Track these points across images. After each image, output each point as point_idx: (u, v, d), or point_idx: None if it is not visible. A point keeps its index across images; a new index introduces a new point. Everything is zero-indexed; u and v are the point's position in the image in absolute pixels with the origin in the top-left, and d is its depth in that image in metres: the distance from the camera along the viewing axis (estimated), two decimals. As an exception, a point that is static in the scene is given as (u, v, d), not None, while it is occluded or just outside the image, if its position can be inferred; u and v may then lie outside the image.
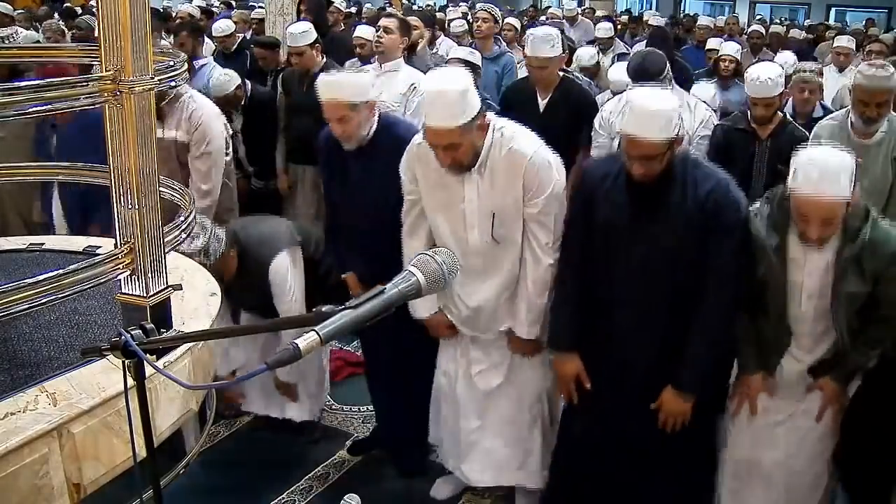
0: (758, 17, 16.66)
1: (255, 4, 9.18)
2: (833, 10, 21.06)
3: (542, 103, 3.98)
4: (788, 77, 5.10)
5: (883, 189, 3.38)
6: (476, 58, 4.32)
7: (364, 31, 5.14)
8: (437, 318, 2.83)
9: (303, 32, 4.53)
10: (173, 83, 2.01)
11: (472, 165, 2.51)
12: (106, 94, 1.72)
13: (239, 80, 4.65)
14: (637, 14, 10.51)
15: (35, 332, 2.01)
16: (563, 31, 8.22)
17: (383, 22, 4.44)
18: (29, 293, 1.65)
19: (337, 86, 2.77)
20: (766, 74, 3.56)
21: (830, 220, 2.22)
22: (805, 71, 4.30)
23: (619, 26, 10.18)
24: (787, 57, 5.22)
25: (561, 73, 4.05)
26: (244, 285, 3.05)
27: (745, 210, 2.44)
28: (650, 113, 2.29)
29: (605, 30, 6.67)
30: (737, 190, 2.45)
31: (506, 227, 2.59)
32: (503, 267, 2.66)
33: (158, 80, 1.85)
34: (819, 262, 2.35)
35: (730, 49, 5.82)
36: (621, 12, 15.81)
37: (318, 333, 1.11)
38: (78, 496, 1.68)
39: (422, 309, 2.81)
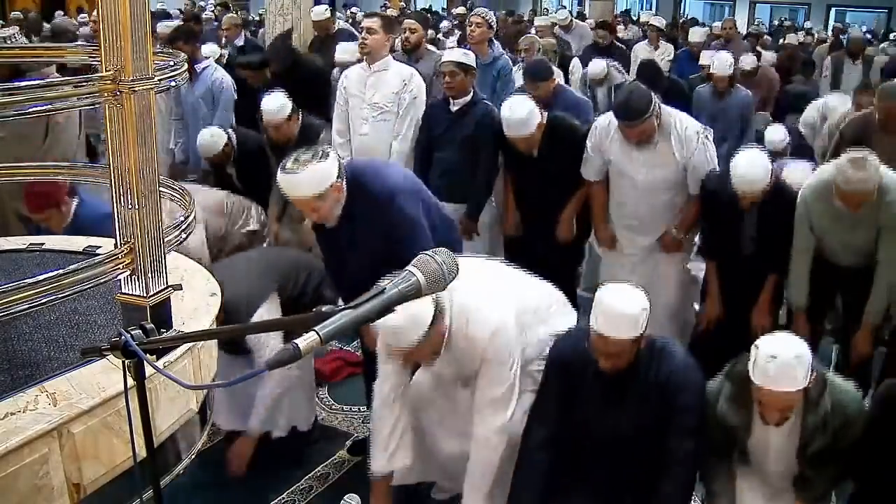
0: (757, 21, 16.66)
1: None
2: (833, 10, 21.07)
3: (534, 151, 3.93)
4: (781, 152, 5.04)
5: (868, 253, 3.34)
6: (470, 59, 4.28)
7: (343, 54, 5.07)
8: (381, 484, 2.70)
9: (278, 108, 4.31)
10: (173, 83, 2.01)
11: (435, 357, 2.55)
12: (106, 94, 1.72)
13: (225, 138, 4.59)
14: (626, 38, 10.21)
15: (35, 332, 2.01)
16: (559, 38, 8.26)
17: (366, 23, 4.41)
18: (29, 293, 1.65)
19: (297, 184, 2.69)
20: (754, 172, 3.30)
21: (788, 407, 2.34)
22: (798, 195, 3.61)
23: (617, 27, 10.14)
24: (778, 133, 5.13)
25: (545, 113, 3.93)
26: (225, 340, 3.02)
27: (703, 391, 2.55)
28: (618, 314, 2.40)
29: (596, 72, 6.48)
30: (696, 371, 2.56)
31: (471, 383, 2.63)
32: None
33: (158, 79, 1.85)
34: (781, 434, 2.46)
35: (721, 67, 5.73)
36: (620, 13, 15.80)
37: (317, 333, 1.11)
38: (78, 496, 1.68)
39: (378, 464, 2.68)
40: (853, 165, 3.11)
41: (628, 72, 8.00)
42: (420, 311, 2.34)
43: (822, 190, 3.32)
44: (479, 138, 4.19)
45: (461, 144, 4.26)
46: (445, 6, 20.67)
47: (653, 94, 3.58)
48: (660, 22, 8.91)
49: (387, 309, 1.16)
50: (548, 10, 20.10)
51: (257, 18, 12.86)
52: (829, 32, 15.16)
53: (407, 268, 1.18)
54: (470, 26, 5.61)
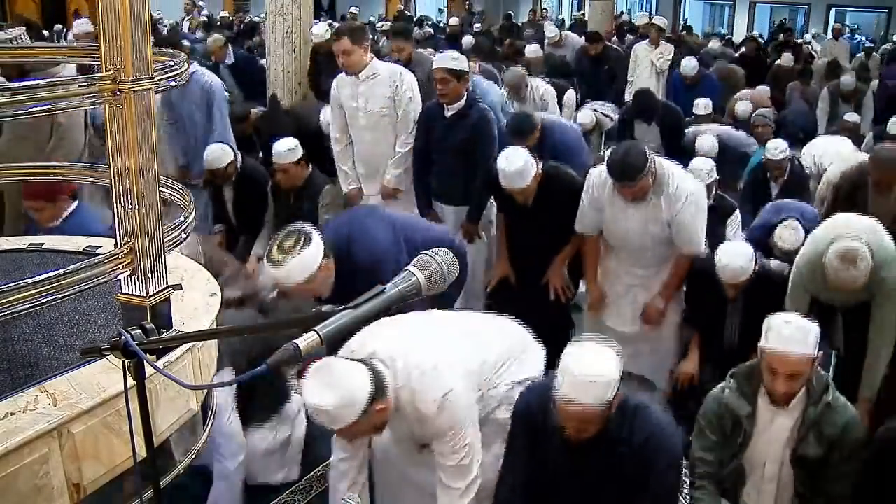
0: (755, 32, 16.61)
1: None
2: (833, 11, 21.06)
3: (529, 200, 3.83)
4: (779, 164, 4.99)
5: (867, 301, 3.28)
6: (462, 64, 4.25)
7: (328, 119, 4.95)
8: None
9: (287, 150, 4.40)
10: (173, 83, 2.01)
11: (378, 433, 2.46)
12: (106, 94, 1.72)
13: (232, 156, 4.64)
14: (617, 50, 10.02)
15: (35, 332, 2.00)
16: (551, 55, 8.28)
17: (337, 48, 4.39)
18: (29, 293, 1.64)
19: (286, 275, 2.71)
20: (737, 263, 3.33)
21: (797, 375, 2.46)
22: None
23: (613, 39, 10.17)
24: (779, 145, 5.02)
25: (540, 163, 3.82)
26: None
27: (682, 448, 2.51)
28: (587, 380, 2.22)
29: (585, 123, 6.27)
30: (674, 429, 2.46)
31: (428, 447, 2.55)
32: None
33: (158, 79, 1.85)
34: (784, 427, 2.56)
35: (704, 160, 5.36)
36: (620, 13, 15.82)
37: (317, 333, 1.10)
38: (78, 496, 1.68)
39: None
40: (843, 261, 3.02)
41: (626, 72, 8.08)
42: (355, 391, 2.20)
43: (815, 261, 3.23)
44: (476, 141, 4.19)
45: (458, 148, 4.27)
46: (445, 6, 20.65)
47: (648, 151, 3.48)
48: (662, 22, 8.97)
49: (386, 309, 1.16)
50: (546, 11, 20.12)
51: (255, 20, 12.83)
52: (829, 34, 15.15)
53: (407, 268, 1.18)
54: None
